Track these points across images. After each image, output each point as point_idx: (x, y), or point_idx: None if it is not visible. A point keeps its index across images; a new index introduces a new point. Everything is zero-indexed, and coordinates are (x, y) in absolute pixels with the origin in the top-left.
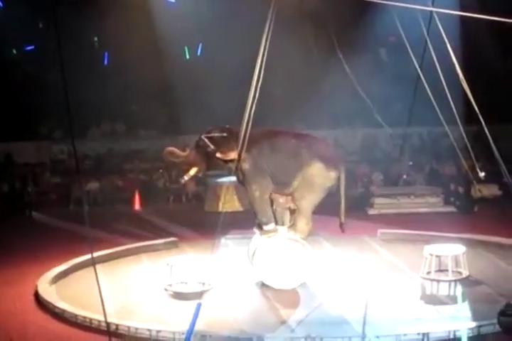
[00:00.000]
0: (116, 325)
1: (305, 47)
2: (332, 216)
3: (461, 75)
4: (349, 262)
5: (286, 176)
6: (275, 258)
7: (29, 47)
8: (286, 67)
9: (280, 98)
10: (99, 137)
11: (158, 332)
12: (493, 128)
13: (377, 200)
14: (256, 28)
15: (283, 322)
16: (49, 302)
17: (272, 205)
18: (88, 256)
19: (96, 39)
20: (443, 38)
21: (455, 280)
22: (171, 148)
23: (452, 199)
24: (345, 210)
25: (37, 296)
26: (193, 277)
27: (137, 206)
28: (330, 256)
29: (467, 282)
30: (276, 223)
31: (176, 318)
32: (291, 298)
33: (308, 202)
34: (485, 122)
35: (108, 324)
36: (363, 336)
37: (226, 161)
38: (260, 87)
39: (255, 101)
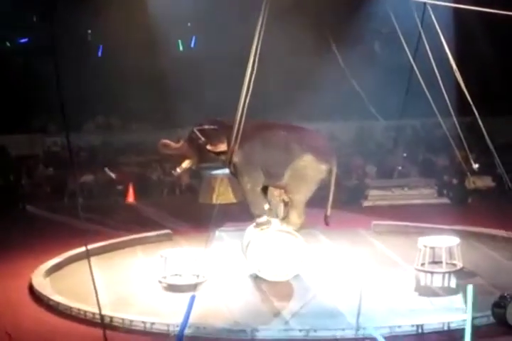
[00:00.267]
0: (111, 318)
1: (299, 39)
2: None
3: (454, 66)
4: (343, 254)
5: (277, 169)
6: (269, 250)
7: (23, 40)
8: (280, 59)
9: (274, 90)
10: (93, 130)
11: (152, 324)
12: (486, 119)
13: (372, 192)
14: (250, 20)
15: (277, 314)
16: (43, 295)
17: (266, 198)
18: (82, 249)
19: (89, 32)
20: (436, 30)
21: (449, 272)
22: (164, 141)
23: (446, 191)
24: (332, 203)
25: (31, 289)
26: (187, 269)
27: (131, 199)
28: (324, 249)
29: (461, 274)
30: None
31: (170, 310)
32: (285, 290)
33: (300, 194)
34: (479, 113)
35: (102, 316)
36: (357, 328)
37: (218, 153)
38: (254, 80)
39: (249, 94)
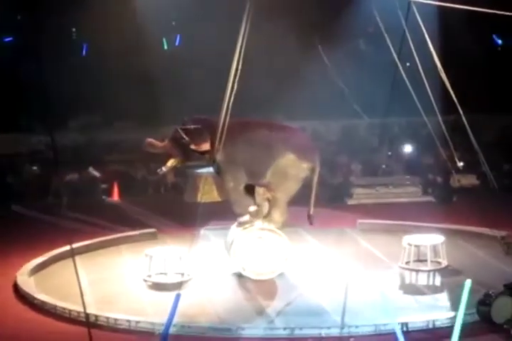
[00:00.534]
0: (96, 316)
1: (284, 37)
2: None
3: (439, 65)
4: (328, 252)
5: (260, 167)
6: (252, 249)
7: (7, 39)
8: (266, 58)
9: (260, 89)
10: (78, 128)
11: (137, 323)
12: (471, 117)
13: (357, 190)
14: (235, 18)
15: (262, 313)
16: (28, 294)
17: (250, 196)
18: (67, 248)
19: (74, 30)
20: (421, 28)
21: (434, 270)
22: (149, 139)
23: (431, 189)
24: (315, 202)
25: (16, 288)
26: (172, 268)
27: (116, 197)
28: (309, 247)
29: (446, 272)
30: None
31: (156, 309)
32: (270, 289)
33: (283, 193)
34: (463, 112)
35: (87, 315)
36: (342, 326)
37: (202, 153)
38: (239, 78)
39: (233, 93)
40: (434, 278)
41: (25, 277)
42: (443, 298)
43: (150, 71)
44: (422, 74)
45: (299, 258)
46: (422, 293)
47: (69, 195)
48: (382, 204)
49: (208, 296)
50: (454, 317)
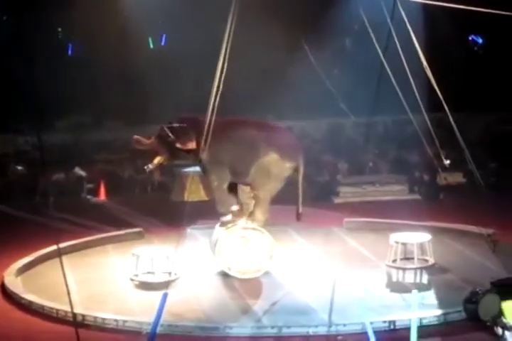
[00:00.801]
0: (83, 316)
1: (270, 36)
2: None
3: (424, 63)
4: (315, 251)
5: (244, 166)
6: (236, 248)
7: None
8: (252, 57)
9: (246, 88)
10: (66, 128)
11: (124, 322)
12: (457, 115)
13: (343, 189)
14: (220, 17)
15: (250, 312)
16: (15, 294)
17: (234, 195)
18: (54, 248)
19: (60, 30)
20: (407, 26)
21: (421, 268)
22: (137, 136)
23: (417, 187)
24: (303, 201)
25: (3, 288)
26: (159, 267)
27: (102, 197)
28: (296, 246)
29: (433, 270)
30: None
31: (143, 308)
32: (258, 288)
33: (265, 191)
34: (450, 109)
35: (74, 315)
36: (330, 324)
37: (187, 151)
38: (225, 78)
39: (219, 93)
40: (421, 276)
41: (12, 277)
42: (430, 296)
43: (137, 70)
44: (408, 72)
45: (286, 257)
46: (409, 291)
47: (55, 194)
48: (368, 202)
49: (195, 295)
50: (442, 315)
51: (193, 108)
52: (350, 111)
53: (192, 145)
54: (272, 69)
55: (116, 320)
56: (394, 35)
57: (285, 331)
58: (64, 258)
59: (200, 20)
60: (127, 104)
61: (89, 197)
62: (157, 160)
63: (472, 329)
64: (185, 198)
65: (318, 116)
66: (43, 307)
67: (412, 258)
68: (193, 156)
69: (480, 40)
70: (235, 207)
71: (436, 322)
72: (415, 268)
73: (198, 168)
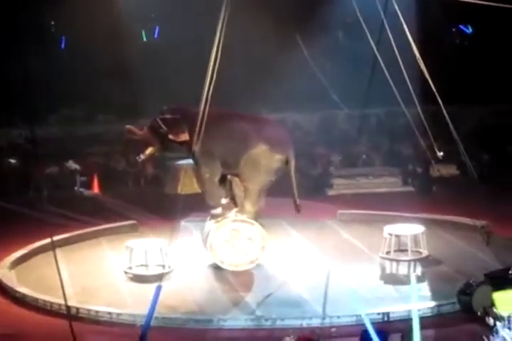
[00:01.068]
0: (77, 309)
1: (263, 28)
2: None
3: (417, 55)
4: (309, 243)
5: (235, 158)
6: (227, 241)
7: None
8: (245, 49)
9: (239, 80)
10: (58, 122)
11: (118, 315)
12: (451, 107)
13: (336, 181)
14: (213, 10)
15: (244, 304)
16: (9, 287)
17: (224, 188)
18: (48, 241)
19: (53, 23)
20: (399, 19)
21: (414, 260)
22: (129, 126)
23: (410, 179)
24: (298, 192)
25: None
26: (152, 260)
27: (96, 190)
28: (290, 238)
29: (426, 261)
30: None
31: (136, 301)
32: (251, 280)
33: (255, 183)
34: (443, 102)
35: (68, 307)
36: (324, 316)
37: (180, 143)
38: (218, 70)
39: (212, 85)
40: (414, 268)
41: (6, 270)
42: (424, 288)
43: (129, 63)
44: (401, 64)
45: (280, 249)
46: (403, 283)
47: (49, 188)
48: (362, 194)
49: (189, 288)
50: (435, 307)
51: (186, 100)
52: (343, 103)
53: (184, 136)
54: (265, 61)
55: (110, 313)
56: (387, 27)
57: (279, 323)
58: (58, 251)
59: (192, 12)
60: (119, 97)
61: (82, 190)
62: (149, 150)
63: (466, 321)
64: (179, 191)
65: (311, 109)
66: (36, 300)
67: (406, 250)
68: (186, 148)
69: (469, 30)
70: (224, 200)
71: (429, 314)
72: (409, 260)
73: (191, 161)
